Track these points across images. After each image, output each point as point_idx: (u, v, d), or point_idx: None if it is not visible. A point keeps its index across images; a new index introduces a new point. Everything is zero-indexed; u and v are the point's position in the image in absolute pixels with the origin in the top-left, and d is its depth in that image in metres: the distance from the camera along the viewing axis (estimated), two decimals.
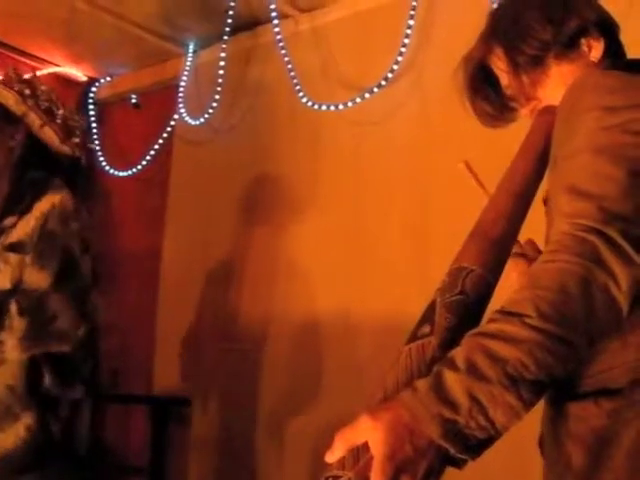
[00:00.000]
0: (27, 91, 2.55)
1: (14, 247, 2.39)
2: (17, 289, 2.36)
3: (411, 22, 3.82)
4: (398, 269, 3.70)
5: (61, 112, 2.63)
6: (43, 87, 2.63)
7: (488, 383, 1.07)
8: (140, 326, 4.89)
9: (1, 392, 2.38)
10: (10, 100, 2.49)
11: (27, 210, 2.43)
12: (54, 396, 2.44)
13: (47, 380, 2.42)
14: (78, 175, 2.62)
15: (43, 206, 2.41)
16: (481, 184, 1.72)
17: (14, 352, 2.35)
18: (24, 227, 2.41)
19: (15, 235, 2.41)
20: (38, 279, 2.36)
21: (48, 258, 2.37)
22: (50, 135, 2.55)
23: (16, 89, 2.52)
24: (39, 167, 2.53)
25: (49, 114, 2.58)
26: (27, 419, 2.38)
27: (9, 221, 2.44)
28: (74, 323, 2.42)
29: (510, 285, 1.45)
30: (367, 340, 3.73)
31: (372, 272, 3.79)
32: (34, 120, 2.52)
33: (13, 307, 2.33)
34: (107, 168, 5.20)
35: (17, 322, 2.32)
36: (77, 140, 2.62)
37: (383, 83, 3.90)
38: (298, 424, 3.96)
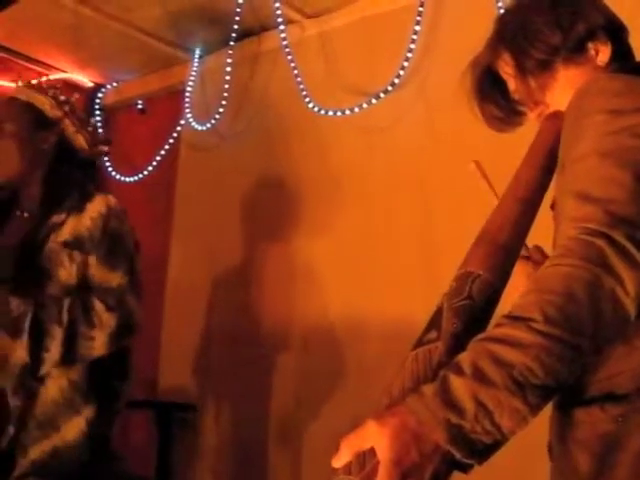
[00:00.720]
0: (62, 97, 2.68)
1: (72, 244, 2.48)
2: (85, 286, 2.46)
3: (417, 28, 3.83)
4: (405, 273, 3.70)
5: (92, 121, 2.83)
6: (74, 96, 2.77)
7: (494, 388, 1.07)
8: (145, 332, 4.88)
9: (65, 387, 2.46)
10: (46, 105, 2.63)
11: (77, 208, 2.52)
12: (116, 391, 2.58)
13: (104, 374, 2.53)
14: (98, 179, 2.77)
15: (99, 207, 2.52)
16: (491, 185, 1.71)
17: (102, 349, 2.44)
18: (77, 225, 2.50)
19: (67, 232, 2.50)
20: (113, 277, 2.47)
21: (117, 258, 2.49)
22: (82, 142, 2.67)
23: (51, 94, 2.66)
24: (62, 162, 2.64)
25: (81, 121, 2.71)
26: (88, 412, 2.47)
27: (58, 218, 2.52)
28: (142, 319, 2.56)
29: (517, 288, 1.44)
30: (376, 344, 3.73)
31: (379, 277, 3.80)
32: (68, 125, 2.65)
33: (98, 304, 2.41)
34: (113, 174, 5.21)
35: (107, 318, 2.41)
36: (103, 149, 2.75)
37: (389, 88, 3.90)
38: (308, 429, 3.96)
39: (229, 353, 4.41)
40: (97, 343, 2.42)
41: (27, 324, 2.37)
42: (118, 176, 5.20)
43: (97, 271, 2.47)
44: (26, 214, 2.61)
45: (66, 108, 2.67)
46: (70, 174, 2.63)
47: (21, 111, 2.60)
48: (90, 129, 2.72)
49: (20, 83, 2.78)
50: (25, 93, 2.65)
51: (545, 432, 1.47)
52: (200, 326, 4.61)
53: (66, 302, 2.41)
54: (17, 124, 2.58)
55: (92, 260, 2.48)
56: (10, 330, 2.39)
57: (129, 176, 5.17)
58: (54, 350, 2.38)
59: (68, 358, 2.41)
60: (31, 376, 2.41)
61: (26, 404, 2.44)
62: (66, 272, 2.46)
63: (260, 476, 4.13)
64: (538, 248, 1.76)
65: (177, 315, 4.78)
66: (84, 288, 2.47)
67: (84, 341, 2.41)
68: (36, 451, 2.42)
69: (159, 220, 5.03)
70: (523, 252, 1.69)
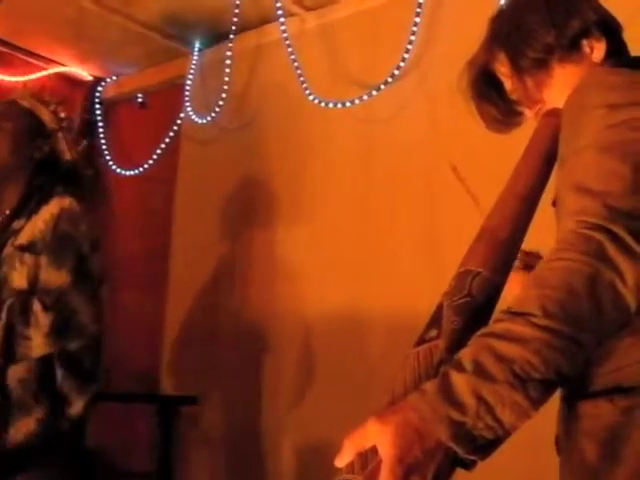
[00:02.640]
0: (62, 114, 2.80)
1: (26, 248, 2.51)
2: (35, 288, 2.48)
3: (417, 19, 3.82)
4: (407, 266, 3.70)
5: (83, 142, 2.95)
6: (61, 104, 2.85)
7: (495, 383, 1.07)
8: (146, 326, 4.90)
9: (15, 386, 2.47)
10: (46, 116, 2.72)
11: (33, 213, 2.56)
12: (65, 393, 2.53)
13: (59, 377, 2.51)
14: (80, 178, 2.76)
15: (52, 209, 2.55)
16: (466, 188, 1.72)
17: (40, 348, 2.45)
18: (32, 229, 2.53)
19: (24, 236, 2.54)
20: (57, 278, 2.48)
21: (63, 258, 2.50)
22: (64, 149, 2.75)
23: (52, 109, 2.77)
24: (44, 173, 2.70)
25: (73, 140, 2.83)
26: (38, 414, 2.47)
27: (17, 224, 2.57)
28: (92, 319, 2.54)
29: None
30: (378, 339, 3.74)
31: (381, 270, 3.80)
32: (61, 140, 2.73)
33: (36, 304, 2.43)
34: (113, 168, 5.21)
35: (42, 318, 2.43)
36: (80, 147, 2.84)
37: (390, 80, 3.90)
38: (309, 424, 3.96)
39: (231, 347, 4.42)
40: (34, 343, 2.44)
41: None
42: (118, 170, 5.20)
43: (44, 271, 2.50)
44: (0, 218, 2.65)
45: (63, 124, 2.77)
46: (47, 184, 2.67)
47: (22, 115, 2.69)
48: (80, 149, 2.82)
49: (26, 90, 2.87)
50: (29, 100, 2.74)
51: (553, 426, 1.47)
52: (202, 320, 4.61)
53: (8, 302, 2.45)
54: (16, 125, 2.66)
55: (42, 260, 2.51)
56: None
57: (129, 170, 5.17)
58: None
59: (8, 356, 2.44)
60: None
61: None
62: (18, 275, 2.51)
63: (261, 469, 4.13)
64: (535, 254, 1.76)
65: (178, 309, 4.78)
66: (33, 289, 2.49)
67: (22, 340, 2.44)
68: None
69: (159, 213, 5.03)
70: (517, 263, 1.70)
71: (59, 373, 2.52)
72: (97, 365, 2.65)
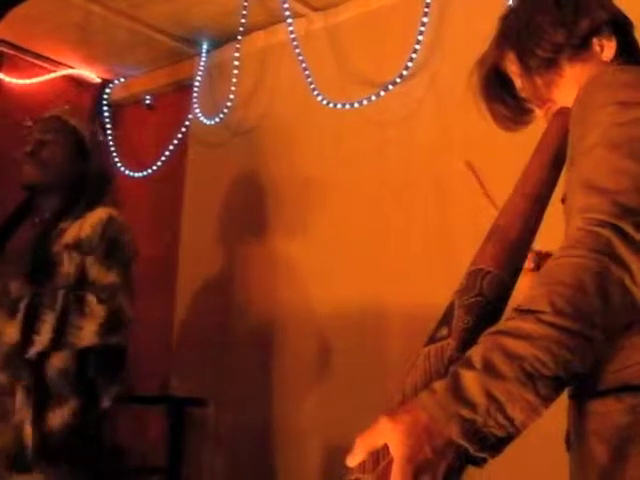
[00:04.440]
0: (101, 137, 3.05)
1: (72, 246, 2.66)
2: (82, 284, 2.62)
3: (425, 19, 3.82)
4: (420, 266, 3.70)
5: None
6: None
7: (505, 381, 1.07)
8: (156, 327, 4.90)
9: (54, 375, 2.58)
10: (87, 137, 2.89)
11: (80, 217, 2.73)
12: (97, 387, 2.64)
13: (93, 370, 2.63)
14: (110, 191, 2.94)
15: (100, 215, 2.72)
16: (481, 184, 1.72)
17: (89, 339, 2.56)
18: (77, 231, 2.69)
19: (70, 236, 2.68)
20: (108, 276, 2.63)
21: (112, 261, 2.66)
22: (99, 166, 2.92)
23: (91, 129, 2.98)
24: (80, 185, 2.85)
25: (102, 149, 3.10)
26: (73, 404, 2.57)
27: (64, 225, 2.73)
28: (131, 319, 2.68)
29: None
30: (392, 338, 3.74)
31: (395, 269, 3.80)
32: (94, 159, 2.87)
33: (91, 296, 2.57)
34: (122, 170, 5.22)
35: (98, 310, 2.55)
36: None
37: (398, 80, 3.90)
38: (321, 424, 3.96)
39: (241, 347, 4.42)
40: (85, 333, 2.54)
41: (23, 306, 2.55)
42: (127, 172, 5.21)
43: (93, 270, 2.64)
44: (38, 220, 2.81)
45: (99, 145, 3.01)
46: (86, 195, 2.82)
47: (68, 132, 2.84)
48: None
49: (70, 108, 3.01)
50: (74, 119, 2.89)
51: (563, 423, 1.47)
52: (211, 321, 4.61)
53: (61, 292, 2.57)
54: (63, 142, 2.83)
55: (89, 260, 2.64)
56: (8, 310, 2.57)
57: (138, 171, 5.18)
58: (44, 334, 2.52)
59: (57, 343, 2.54)
60: (19, 355, 2.54)
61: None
62: (65, 269, 2.63)
63: (271, 470, 4.14)
64: (548, 255, 1.75)
65: (187, 310, 4.79)
66: (80, 284, 2.62)
67: (73, 329, 2.54)
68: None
69: (168, 215, 5.04)
70: (530, 265, 1.71)
71: (94, 366, 2.63)
72: (124, 365, 2.78)
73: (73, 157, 2.82)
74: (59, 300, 2.55)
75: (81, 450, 2.59)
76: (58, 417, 2.55)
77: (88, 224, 2.69)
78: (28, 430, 2.51)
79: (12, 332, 2.54)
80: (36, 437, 2.51)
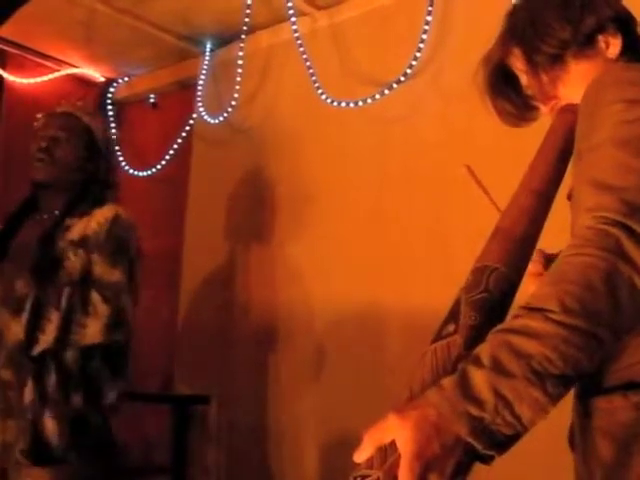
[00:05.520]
0: (110, 135, 3.16)
1: (78, 243, 2.67)
2: (87, 280, 2.63)
3: (429, 17, 3.82)
4: (421, 265, 3.70)
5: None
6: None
7: (513, 379, 1.07)
8: (160, 325, 4.91)
9: (60, 372, 2.58)
10: (99, 136, 2.93)
11: (87, 213, 2.75)
12: (100, 384, 2.66)
13: (96, 367, 2.65)
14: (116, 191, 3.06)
15: (106, 213, 2.74)
16: (483, 188, 1.72)
17: (93, 337, 2.59)
18: (83, 227, 2.71)
19: (75, 233, 2.70)
20: (113, 275, 2.65)
21: (117, 259, 2.68)
22: (108, 166, 2.99)
23: (103, 129, 3.03)
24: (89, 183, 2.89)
25: (111, 149, 3.18)
26: (77, 399, 2.58)
27: (70, 221, 2.74)
28: (133, 318, 2.70)
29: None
30: (393, 336, 3.74)
31: (396, 268, 3.80)
32: (104, 158, 2.93)
33: (95, 295, 2.60)
34: (126, 168, 5.23)
35: (102, 309, 2.58)
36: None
37: (402, 79, 3.90)
38: (325, 422, 3.96)
39: (244, 345, 4.43)
40: (90, 331, 2.57)
41: (29, 304, 2.56)
42: (131, 171, 5.22)
43: (98, 267, 2.65)
44: (45, 216, 2.81)
45: (110, 144, 3.07)
46: (94, 192, 2.86)
47: (82, 131, 2.86)
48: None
49: (84, 105, 3.08)
50: (87, 117, 2.92)
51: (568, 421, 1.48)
52: (215, 319, 4.62)
53: (66, 290, 2.58)
54: (76, 140, 2.84)
55: (95, 257, 2.66)
56: (12, 308, 2.59)
57: (142, 170, 5.19)
58: (49, 332, 2.54)
59: (61, 342, 2.56)
60: (23, 353, 2.55)
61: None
62: (71, 265, 2.64)
63: (273, 468, 4.14)
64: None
65: (191, 309, 4.79)
66: (85, 282, 2.63)
67: (78, 328, 2.56)
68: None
69: (172, 214, 5.05)
70: (539, 268, 1.71)
71: (97, 364, 2.65)
72: (128, 363, 2.79)
73: (85, 156, 2.84)
74: (64, 299, 2.56)
75: (83, 449, 2.59)
76: (62, 414, 2.56)
77: (95, 221, 2.71)
78: (49, 424, 2.52)
79: (17, 330, 2.56)
80: (63, 431, 2.53)
